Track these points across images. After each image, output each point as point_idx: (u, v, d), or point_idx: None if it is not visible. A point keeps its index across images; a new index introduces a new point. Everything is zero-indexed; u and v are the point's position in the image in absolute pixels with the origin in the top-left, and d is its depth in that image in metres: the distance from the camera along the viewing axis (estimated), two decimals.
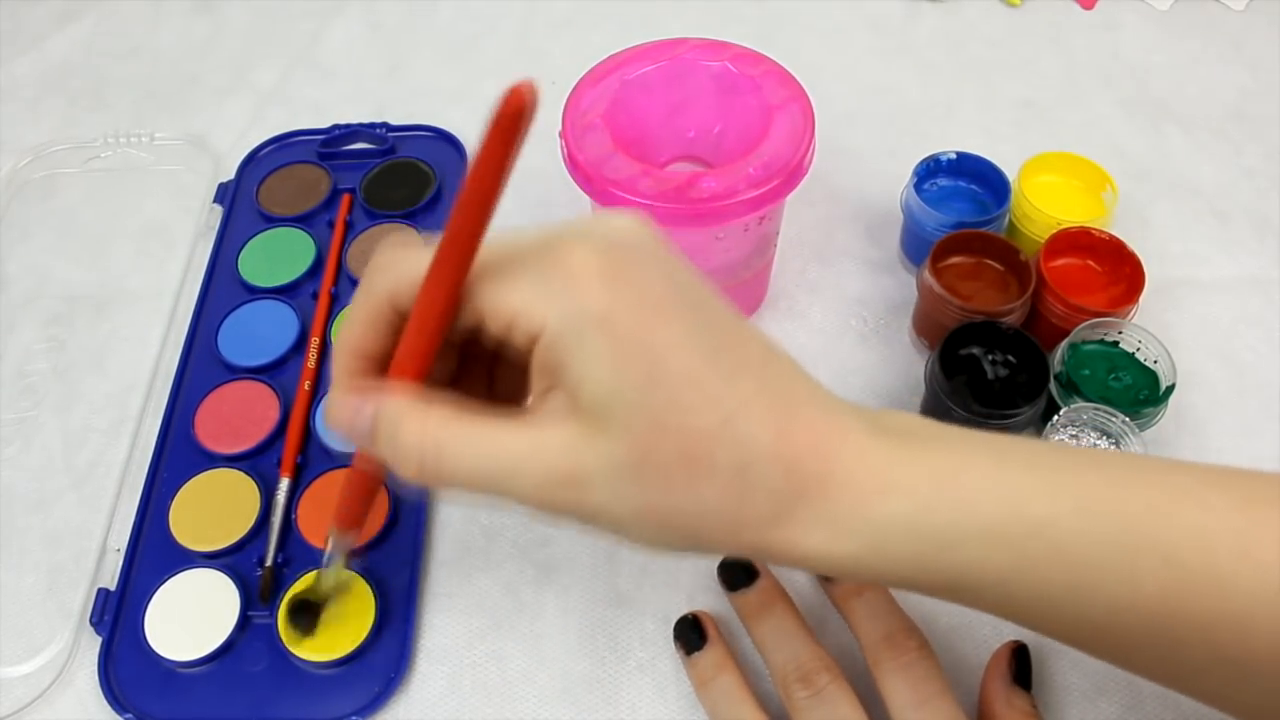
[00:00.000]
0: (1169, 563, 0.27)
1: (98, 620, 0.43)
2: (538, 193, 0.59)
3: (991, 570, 0.28)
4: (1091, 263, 0.50)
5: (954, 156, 0.53)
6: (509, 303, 0.27)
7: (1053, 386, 0.45)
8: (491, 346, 0.30)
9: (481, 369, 0.33)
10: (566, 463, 0.27)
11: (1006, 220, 0.52)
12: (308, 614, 0.41)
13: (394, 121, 0.62)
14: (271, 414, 0.48)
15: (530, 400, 0.29)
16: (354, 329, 0.30)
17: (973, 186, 0.54)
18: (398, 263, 0.29)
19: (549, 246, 0.27)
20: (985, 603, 0.29)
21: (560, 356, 0.27)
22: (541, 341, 0.27)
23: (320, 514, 0.45)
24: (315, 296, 0.53)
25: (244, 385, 0.50)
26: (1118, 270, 0.49)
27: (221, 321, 0.52)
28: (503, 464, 0.28)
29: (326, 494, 0.46)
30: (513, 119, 0.25)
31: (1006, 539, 0.27)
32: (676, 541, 0.28)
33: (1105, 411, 0.43)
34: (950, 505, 0.27)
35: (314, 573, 0.42)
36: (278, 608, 0.42)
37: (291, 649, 0.41)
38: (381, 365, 0.30)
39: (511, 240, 0.28)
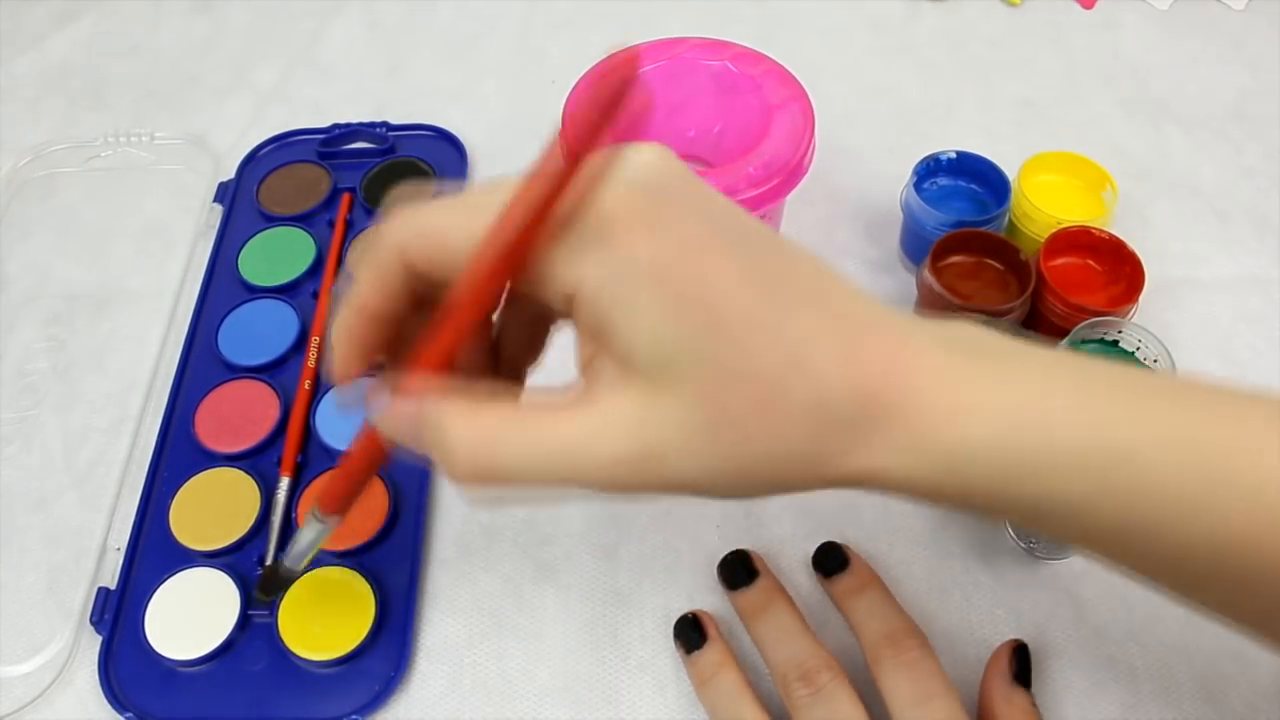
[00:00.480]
0: (1250, 499, 0.26)
1: (98, 619, 0.43)
2: None
3: (1071, 497, 0.27)
4: (1091, 262, 0.50)
5: (954, 156, 0.53)
6: (548, 267, 0.26)
7: None
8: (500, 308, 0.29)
9: (477, 335, 0.31)
10: (637, 440, 0.26)
11: (1006, 219, 0.53)
12: (274, 584, 0.40)
13: (394, 121, 0.62)
14: (271, 413, 0.48)
15: (578, 369, 0.28)
16: (361, 284, 0.28)
17: (972, 186, 0.54)
18: (411, 216, 0.27)
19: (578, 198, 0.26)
20: (1061, 530, 0.28)
21: (607, 314, 0.25)
22: (582, 300, 0.25)
23: None
24: (315, 296, 0.53)
25: (244, 384, 0.50)
26: (1117, 269, 0.49)
27: (221, 321, 0.52)
28: (565, 453, 0.26)
29: None
30: (617, 83, 0.22)
31: (1088, 467, 0.26)
32: (758, 489, 0.27)
33: None
34: (1031, 430, 0.26)
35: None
36: (278, 607, 0.42)
37: (295, 649, 0.41)
38: (385, 324, 0.28)
39: None
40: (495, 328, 0.31)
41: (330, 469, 0.46)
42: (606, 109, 0.23)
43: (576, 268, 0.25)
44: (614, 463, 0.26)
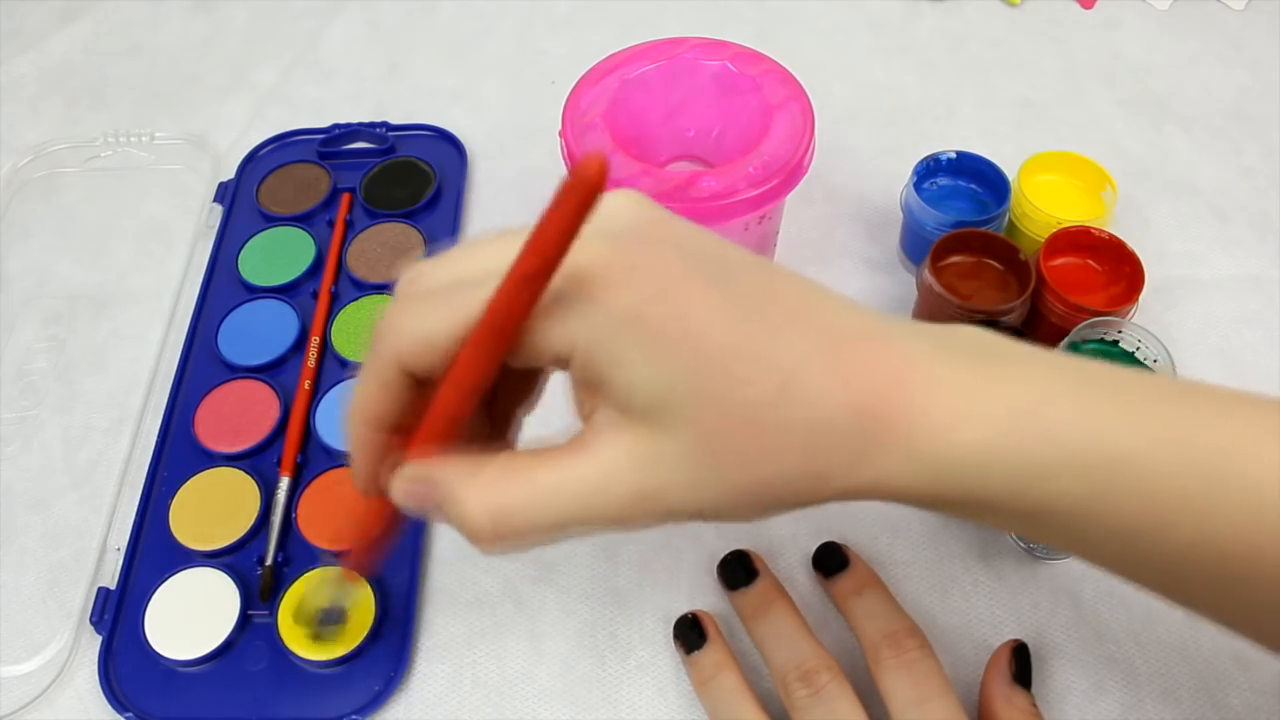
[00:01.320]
0: (1250, 502, 0.26)
1: (98, 619, 0.43)
2: (539, 192, 0.59)
3: (1072, 502, 0.27)
4: (1091, 262, 0.50)
5: (954, 156, 0.53)
6: (535, 339, 0.26)
7: None
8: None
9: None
10: (639, 479, 0.26)
11: (1006, 219, 0.53)
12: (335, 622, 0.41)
13: (394, 121, 0.62)
14: (271, 413, 0.48)
15: (578, 417, 0.28)
16: (364, 399, 0.29)
17: (972, 186, 0.54)
18: (403, 327, 0.27)
19: None
20: (1062, 536, 0.28)
21: (597, 370, 0.26)
22: (575, 361, 0.26)
23: (320, 513, 0.45)
24: (315, 296, 0.53)
25: (244, 384, 0.50)
26: (1117, 269, 0.49)
27: (221, 321, 0.52)
28: (575, 505, 0.27)
29: (327, 493, 0.46)
30: (585, 189, 0.23)
31: (1089, 471, 0.26)
32: (764, 511, 0.28)
33: None
34: (1030, 436, 0.26)
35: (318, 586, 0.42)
36: (278, 607, 0.42)
37: (295, 649, 0.41)
38: (395, 427, 0.29)
39: None
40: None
41: (335, 471, 0.46)
42: (576, 216, 0.23)
43: (561, 333, 0.26)
44: (621, 506, 0.27)
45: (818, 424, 0.26)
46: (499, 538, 0.27)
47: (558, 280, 0.26)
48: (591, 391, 0.27)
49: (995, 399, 0.27)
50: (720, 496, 0.27)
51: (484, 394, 0.27)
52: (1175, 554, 0.27)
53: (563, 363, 0.27)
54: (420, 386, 0.28)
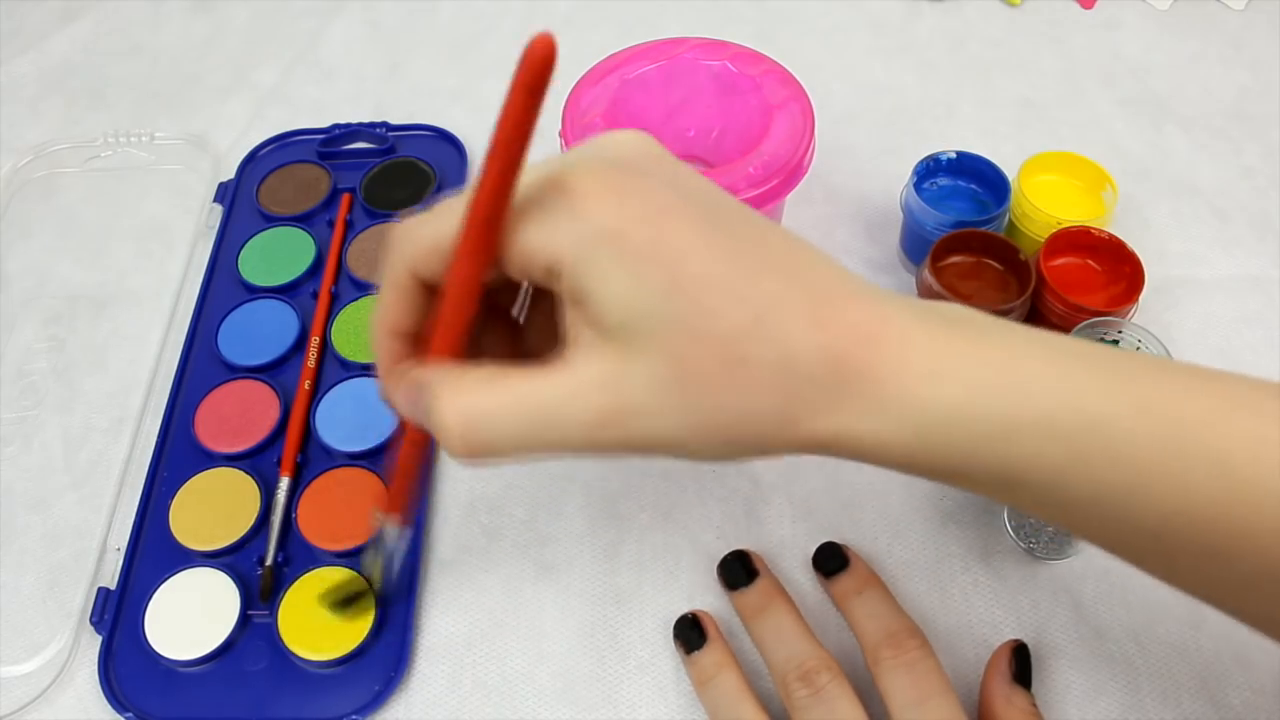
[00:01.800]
0: (1222, 471, 0.26)
1: (98, 619, 0.43)
2: None
3: (1044, 464, 0.27)
4: (1091, 262, 0.50)
5: (954, 156, 0.53)
6: (525, 245, 0.27)
7: None
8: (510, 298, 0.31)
9: (503, 326, 0.33)
10: (606, 396, 0.27)
11: (1006, 219, 0.53)
12: (353, 602, 0.42)
13: (394, 121, 0.62)
14: (271, 413, 0.48)
15: (562, 339, 0.29)
16: (383, 308, 0.30)
17: (972, 186, 0.54)
18: (413, 233, 0.29)
19: (551, 179, 0.27)
20: (1035, 500, 0.28)
21: (581, 283, 0.26)
22: (560, 272, 0.27)
23: (320, 513, 0.45)
24: (315, 296, 0.53)
25: (244, 384, 0.50)
26: (1117, 270, 0.49)
27: (221, 321, 0.52)
28: (543, 417, 0.27)
29: (327, 493, 0.46)
30: (537, 68, 0.24)
31: (1061, 432, 0.26)
32: (735, 450, 0.28)
33: None
34: (1005, 393, 0.27)
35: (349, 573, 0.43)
36: (278, 607, 0.42)
37: (295, 649, 0.41)
38: (417, 338, 0.30)
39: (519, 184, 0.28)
40: (520, 315, 0.33)
41: (335, 471, 0.47)
42: (533, 89, 0.25)
43: (548, 239, 0.27)
44: (589, 422, 0.27)
45: (788, 362, 0.26)
46: (468, 444, 0.28)
47: (548, 190, 0.27)
48: (576, 310, 0.27)
49: (970, 359, 0.27)
50: (686, 426, 0.27)
51: (481, 293, 0.28)
52: (1152, 524, 0.27)
53: (554, 276, 0.27)
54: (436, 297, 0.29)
